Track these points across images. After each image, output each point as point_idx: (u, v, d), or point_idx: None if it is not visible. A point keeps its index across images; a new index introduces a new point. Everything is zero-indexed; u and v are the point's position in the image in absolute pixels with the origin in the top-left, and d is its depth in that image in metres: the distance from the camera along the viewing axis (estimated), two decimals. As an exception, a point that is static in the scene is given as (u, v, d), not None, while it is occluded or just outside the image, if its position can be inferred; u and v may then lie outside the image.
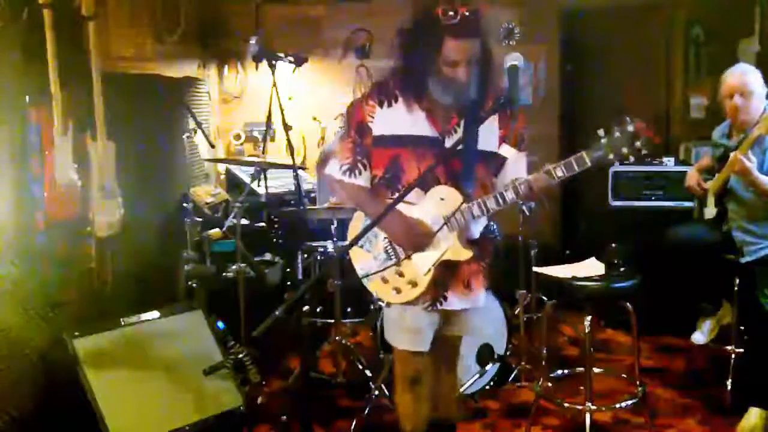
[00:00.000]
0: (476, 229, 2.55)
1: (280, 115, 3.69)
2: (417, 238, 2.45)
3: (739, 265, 3.49)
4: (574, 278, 3.16)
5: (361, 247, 2.58)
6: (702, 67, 5.29)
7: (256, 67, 5.48)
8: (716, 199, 3.64)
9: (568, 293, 3.18)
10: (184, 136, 4.75)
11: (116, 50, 4.12)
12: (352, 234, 2.64)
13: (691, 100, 5.36)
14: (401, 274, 2.49)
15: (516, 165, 2.54)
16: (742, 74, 3.48)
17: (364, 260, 2.57)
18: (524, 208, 3.92)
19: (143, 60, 4.52)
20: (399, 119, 2.47)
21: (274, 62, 3.74)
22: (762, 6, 4.68)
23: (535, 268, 3.65)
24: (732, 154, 3.30)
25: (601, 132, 2.25)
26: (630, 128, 2.24)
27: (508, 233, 4.09)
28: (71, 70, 3.24)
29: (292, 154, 3.69)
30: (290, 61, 3.88)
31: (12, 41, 3.11)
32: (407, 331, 2.56)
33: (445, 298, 2.54)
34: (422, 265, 2.46)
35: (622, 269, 3.19)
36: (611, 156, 2.26)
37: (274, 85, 3.69)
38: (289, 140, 3.69)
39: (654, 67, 5.66)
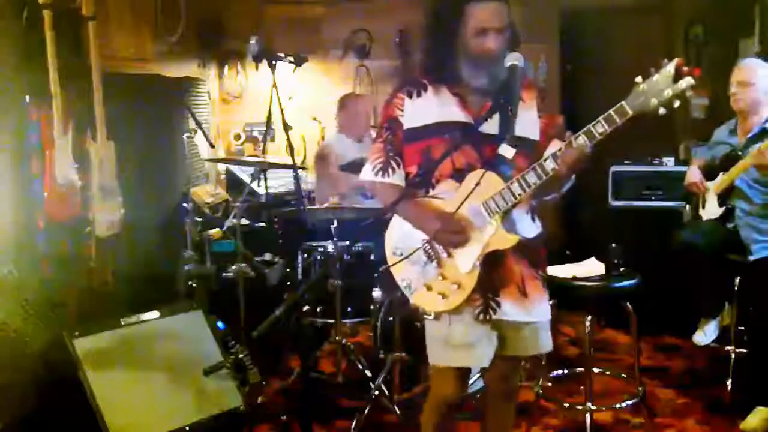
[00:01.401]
0: (524, 226, 2.33)
1: (280, 115, 3.69)
2: (455, 232, 2.24)
3: (741, 265, 3.49)
4: (574, 278, 3.16)
5: (401, 255, 2.38)
6: (702, 67, 5.28)
7: (256, 67, 5.49)
8: (720, 198, 3.64)
9: (568, 293, 3.17)
10: (184, 136, 4.75)
11: (116, 50, 4.12)
12: (388, 245, 2.44)
13: (691, 100, 5.35)
14: (444, 277, 2.30)
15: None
16: (744, 66, 3.56)
17: (405, 272, 2.37)
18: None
19: (143, 60, 4.52)
20: (429, 108, 2.31)
21: (274, 62, 3.74)
22: (762, 6, 4.67)
23: (535, 268, 3.64)
24: (753, 148, 3.31)
25: (638, 78, 2.03)
26: (669, 68, 2.01)
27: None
28: (71, 70, 3.24)
29: (292, 154, 3.69)
30: (290, 61, 3.88)
31: (12, 41, 3.11)
32: (457, 347, 2.33)
33: (498, 305, 2.31)
34: (465, 261, 2.26)
35: (622, 269, 3.19)
36: (653, 101, 2.01)
37: (274, 85, 3.69)
38: (289, 140, 3.69)
39: (654, 67, 5.65)
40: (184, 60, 5.20)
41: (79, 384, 3.00)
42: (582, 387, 3.29)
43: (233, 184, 5.26)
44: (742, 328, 3.65)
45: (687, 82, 1.99)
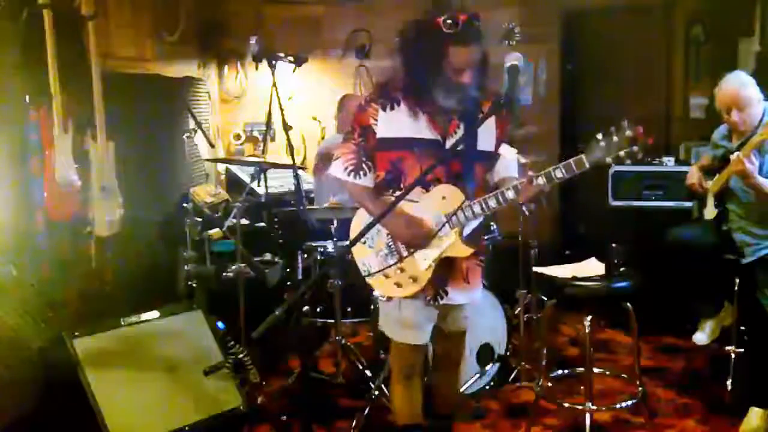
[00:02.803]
0: (469, 228, 2.58)
1: (280, 115, 3.69)
2: (418, 236, 2.51)
3: (740, 266, 3.49)
4: (574, 278, 3.15)
5: (364, 243, 2.64)
6: (702, 67, 5.28)
7: (256, 67, 5.48)
8: (716, 200, 3.65)
9: (568, 293, 3.17)
10: (184, 136, 4.75)
11: (116, 50, 4.12)
12: (354, 231, 2.72)
13: (691, 100, 5.35)
14: (402, 270, 2.55)
15: (508, 161, 2.68)
16: (736, 89, 3.42)
17: (367, 256, 2.64)
18: (524, 208, 3.92)
19: (143, 60, 4.52)
20: (401, 122, 2.52)
21: (274, 62, 3.74)
22: (762, 6, 4.67)
23: (535, 268, 3.64)
24: (733, 156, 3.29)
25: (599, 135, 2.29)
26: (628, 132, 2.27)
27: (508, 233, 4.10)
28: (71, 70, 3.24)
29: (292, 154, 3.69)
30: (290, 61, 3.88)
31: (12, 41, 3.11)
32: (406, 325, 2.63)
33: (446, 293, 2.61)
34: (423, 260, 2.53)
35: (622, 269, 3.19)
36: (608, 159, 2.30)
37: (274, 85, 3.69)
38: (289, 140, 3.69)
39: (654, 67, 5.66)
40: (184, 60, 5.20)
41: (79, 384, 3.00)
42: (582, 387, 3.28)
43: (233, 184, 5.25)
44: (743, 328, 3.65)
45: (640, 148, 2.27)
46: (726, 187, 3.53)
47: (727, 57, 4.84)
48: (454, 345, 2.82)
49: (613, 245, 3.20)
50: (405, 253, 2.56)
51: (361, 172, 2.60)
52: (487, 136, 2.55)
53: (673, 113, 5.57)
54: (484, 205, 2.45)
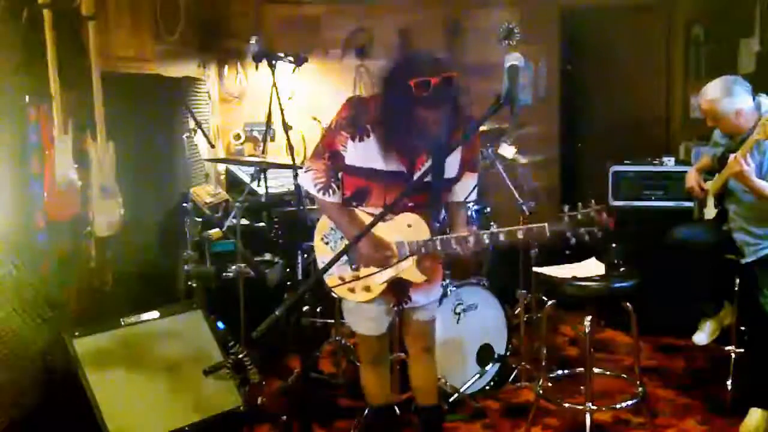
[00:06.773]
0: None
1: (280, 115, 3.69)
2: (379, 258, 2.63)
3: (740, 266, 3.49)
4: (574, 278, 3.16)
5: (327, 243, 2.81)
6: (702, 67, 5.28)
7: (256, 67, 5.47)
8: (716, 199, 3.65)
9: (568, 293, 3.18)
10: (184, 136, 4.75)
11: (116, 50, 4.11)
12: (319, 231, 2.86)
13: (691, 100, 5.35)
14: (357, 278, 2.68)
15: (464, 183, 2.77)
16: (709, 101, 3.42)
17: (327, 255, 2.78)
18: (524, 207, 3.92)
19: (143, 60, 4.51)
20: (369, 154, 2.61)
21: (274, 62, 3.74)
22: (762, 6, 4.67)
23: (535, 268, 3.65)
24: (731, 156, 3.29)
25: (566, 208, 2.46)
26: (592, 212, 2.44)
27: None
28: (71, 70, 3.24)
29: (292, 154, 3.69)
30: (290, 61, 3.89)
31: (12, 41, 3.11)
32: (368, 320, 2.82)
33: (410, 299, 2.80)
34: (380, 276, 2.65)
35: (622, 269, 3.19)
36: (569, 233, 2.45)
37: (274, 85, 3.69)
38: (289, 140, 3.69)
39: (654, 67, 5.66)
40: (184, 60, 5.19)
41: (79, 384, 3.00)
42: (582, 387, 3.28)
43: (233, 184, 5.25)
44: (743, 328, 3.65)
45: (600, 229, 2.43)
46: (726, 188, 3.53)
47: (727, 57, 4.83)
48: (422, 333, 2.94)
49: (613, 245, 3.20)
50: (362, 267, 2.68)
51: (330, 191, 2.72)
52: (452, 163, 2.64)
53: (673, 113, 5.58)
54: (445, 244, 2.58)
